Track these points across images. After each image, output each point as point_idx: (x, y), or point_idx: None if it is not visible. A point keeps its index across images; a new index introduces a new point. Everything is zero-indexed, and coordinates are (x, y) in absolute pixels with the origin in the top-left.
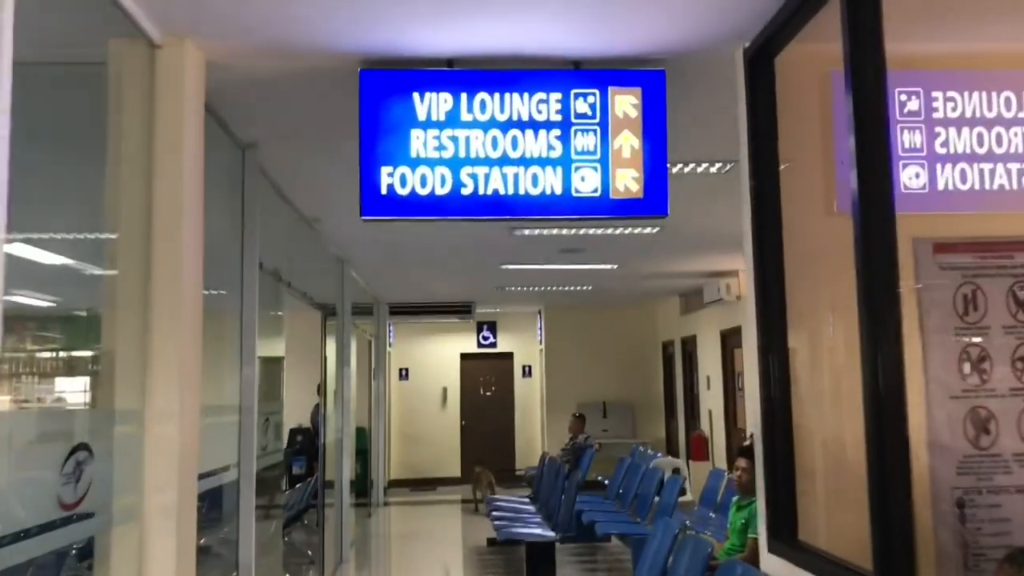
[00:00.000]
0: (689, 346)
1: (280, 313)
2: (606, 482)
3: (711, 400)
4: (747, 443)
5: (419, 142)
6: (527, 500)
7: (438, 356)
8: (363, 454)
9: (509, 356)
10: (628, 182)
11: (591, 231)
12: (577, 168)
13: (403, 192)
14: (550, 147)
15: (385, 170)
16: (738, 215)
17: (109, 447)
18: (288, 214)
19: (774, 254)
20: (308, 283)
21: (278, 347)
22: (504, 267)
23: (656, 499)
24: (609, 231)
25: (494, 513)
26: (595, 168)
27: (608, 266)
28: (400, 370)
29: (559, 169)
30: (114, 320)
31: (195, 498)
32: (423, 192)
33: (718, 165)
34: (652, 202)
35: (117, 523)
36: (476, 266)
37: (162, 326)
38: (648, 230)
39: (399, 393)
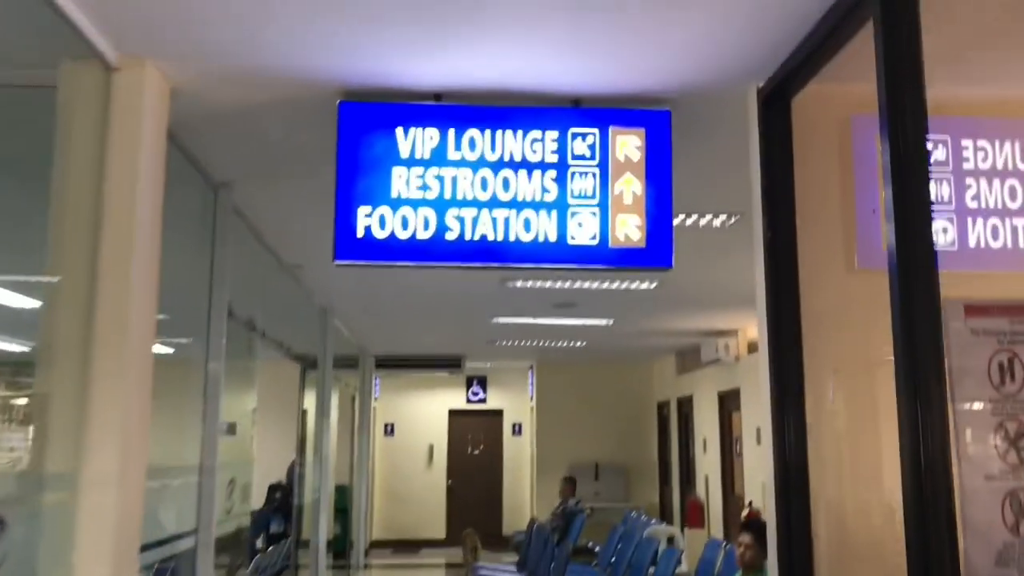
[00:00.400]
0: (685, 407)
1: (252, 364)
2: (597, 549)
3: (707, 464)
4: (747, 512)
5: (401, 181)
6: (514, 568)
7: (425, 412)
8: (343, 513)
9: (499, 413)
10: (629, 230)
11: (586, 284)
12: (574, 213)
13: (381, 235)
14: (545, 190)
15: (363, 210)
16: (741, 271)
17: (34, 515)
18: (267, 260)
19: (790, 311)
20: (287, 333)
21: (249, 400)
22: (495, 320)
23: (651, 569)
24: (605, 285)
25: None
26: (593, 214)
27: (603, 321)
28: (385, 425)
29: (554, 214)
30: (49, 369)
31: (135, 573)
32: (404, 235)
33: (723, 217)
34: (655, 252)
35: None
36: (466, 318)
37: (104, 377)
38: (645, 285)
39: (384, 450)
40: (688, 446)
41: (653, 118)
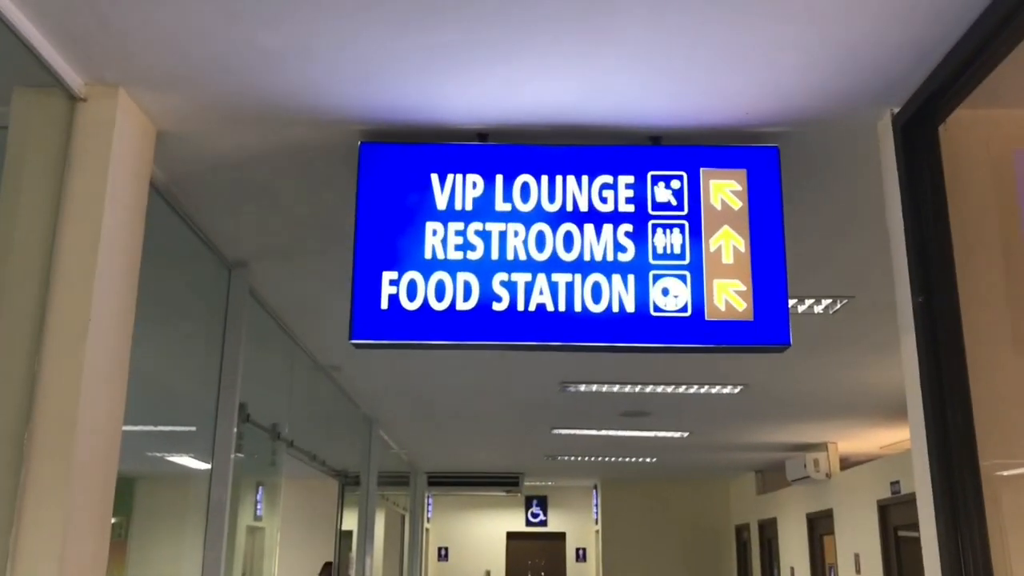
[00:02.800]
0: (768, 531)
1: (276, 478)
2: None
3: None
4: None
5: (436, 239)
6: None
7: (481, 534)
8: None
9: (561, 536)
10: (731, 297)
11: (658, 389)
12: (657, 277)
13: (411, 306)
14: (619, 248)
15: (388, 276)
16: (838, 372)
17: None
18: (297, 359)
19: (958, 397)
20: (322, 444)
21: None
22: (556, 431)
23: None
24: (681, 390)
25: None
26: (683, 278)
27: (676, 434)
28: (439, 549)
29: (631, 279)
30: None
31: None
32: (440, 306)
33: (826, 302)
34: (766, 326)
35: None
36: (524, 430)
37: (39, 490)
38: (728, 389)
39: (438, 575)
40: (773, 575)
41: (756, 156)
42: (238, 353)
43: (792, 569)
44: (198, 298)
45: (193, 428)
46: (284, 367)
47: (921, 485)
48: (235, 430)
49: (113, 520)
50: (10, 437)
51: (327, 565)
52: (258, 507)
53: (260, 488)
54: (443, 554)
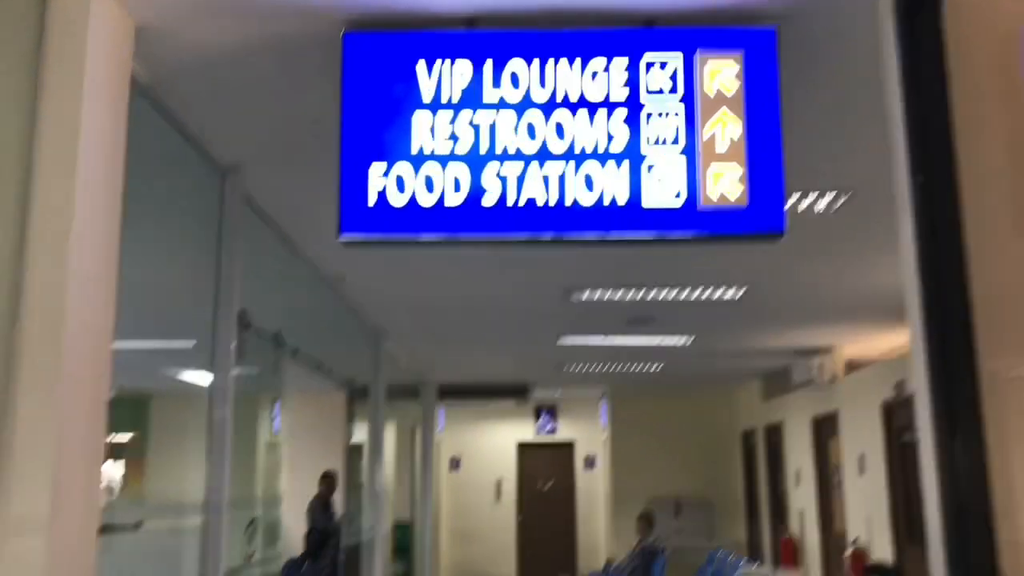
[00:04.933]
0: (774, 436)
1: (278, 385)
2: None
3: (801, 498)
4: (852, 552)
5: (424, 130)
6: None
7: (492, 445)
8: (405, 553)
9: (570, 445)
10: (726, 185)
11: (662, 295)
12: (651, 166)
13: (399, 201)
14: (611, 136)
15: (375, 169)
16: (842, 273)
17: None
18: (300, 269)
19: (957, 288)
20: (328, 354)
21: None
22: (562, 341)
23: None
24: (684, 295)
25: None
26: (678, 165)
27: (681, 340)
28: (451, 459)
29: (625, 166)
30: None
31: None
32: (428, 201)
33: (829, 197)
34: (761, 213)
35: None
36: (531, 339)
37: (29, 392)
38: (729, 294)
39: (450, 485)
40: (778, 478)
41: (754, 38)
42: (235, 261)
43: (798, 472)
44: (192, 204)
45: (195, 341)
46: (285, 277)
47: (918, 381)
48: (234, 342)
49: (130, 436)
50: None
51: (326, 475)
52: (275, 423)
53: (277, 404)
54: (455, 464)
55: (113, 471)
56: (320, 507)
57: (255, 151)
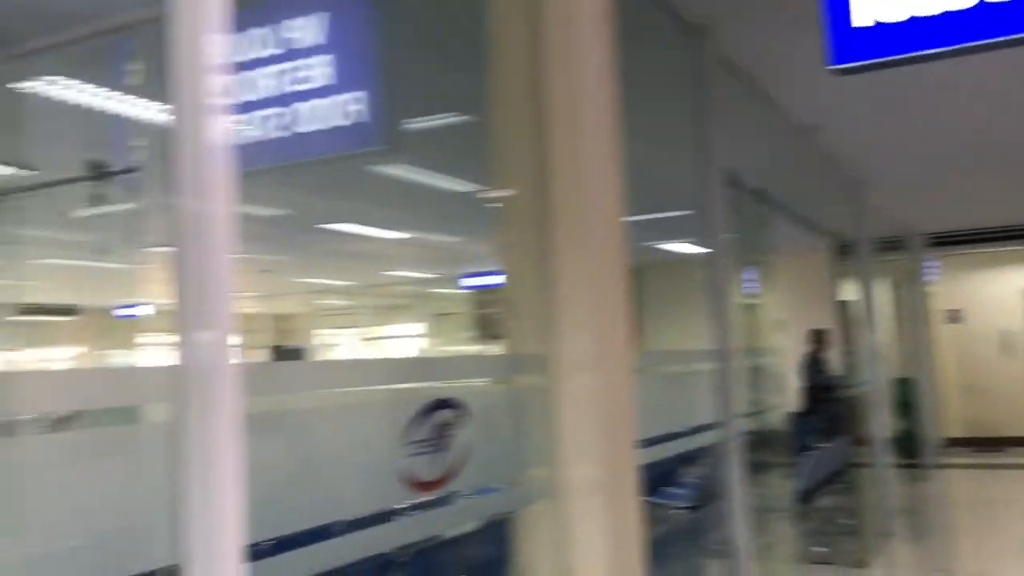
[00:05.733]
0: None
1: (764, 240)
2: None
3: None
4: None
5: None
6: None
7: (995, 293)
8: (908, 407)
9: None
10: None
11: None
12: None
13: (892, 16)
14: None
15: None
16: None
17: (500, 406)
18: (774, 122)
19: None
20: (810, 209)
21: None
22: None
23: None
24: None
25: None
26: None
27: None
28: (948, 312)
29: None
30: (508, 250)
31: (633, 470)
32: (927, 9)
33: None
34: None
35: (525, 502)
36: None
37: (565, 256)
38: None
39: (950, 338)
40: None
41: None
42: (712, 118)
43: None
44: (667, 70)
45: (686, 212)
46: (764, 133)
47: None
48: (721, 204)
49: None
50: (536, 219)
51: (815, 332)
52: (746, 286)
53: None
54: (954, 316)
55: None
56: (811, 364)
57: (721, 10)
